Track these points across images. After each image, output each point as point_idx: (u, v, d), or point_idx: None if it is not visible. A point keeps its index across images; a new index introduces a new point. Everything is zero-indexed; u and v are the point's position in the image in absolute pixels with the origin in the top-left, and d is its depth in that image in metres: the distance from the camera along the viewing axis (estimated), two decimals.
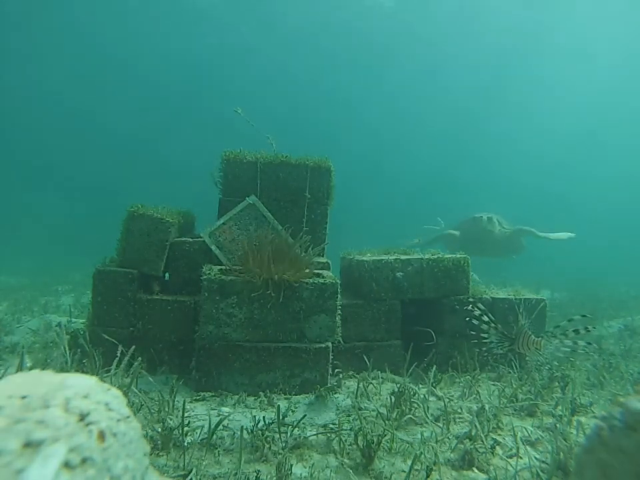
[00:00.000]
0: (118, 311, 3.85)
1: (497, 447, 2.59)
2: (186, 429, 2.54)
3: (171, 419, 2.62)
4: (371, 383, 3.61)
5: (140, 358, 3.18)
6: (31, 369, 3.03)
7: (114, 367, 3.07)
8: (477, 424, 2.68)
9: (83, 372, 3.18)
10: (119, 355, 3.13)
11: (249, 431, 2.59)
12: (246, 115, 4.91)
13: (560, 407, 3.17)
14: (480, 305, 3.31)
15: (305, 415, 2.87)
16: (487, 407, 3.05)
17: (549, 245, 9.97)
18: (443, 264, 4.32)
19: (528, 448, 2.62)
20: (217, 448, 2.48)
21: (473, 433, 2.65)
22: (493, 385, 3.78)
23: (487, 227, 9.19)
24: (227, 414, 2.97)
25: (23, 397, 0.77)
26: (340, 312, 3.62)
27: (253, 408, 3.16)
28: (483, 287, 4.68)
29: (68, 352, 3.32)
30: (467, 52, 30.34)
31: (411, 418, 2.96)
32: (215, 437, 2.56)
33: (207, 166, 4.62)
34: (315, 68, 31.87)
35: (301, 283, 3.52)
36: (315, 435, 2.70)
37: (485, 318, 3.21)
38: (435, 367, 3.67)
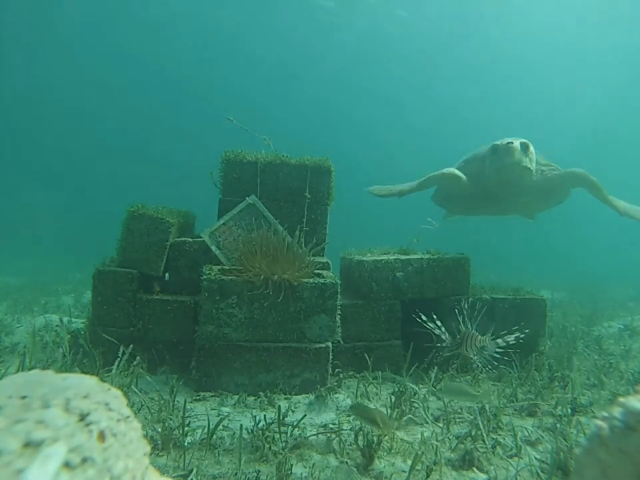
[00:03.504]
0: (118, 311, 3.85)
1: (497, 447, 2.59)
2: (186, 429, 2.54)
3: (171, 419, 2.62)
4: (372, 383, 3.61)
5: (139, 358, 3.18)
6: (30, 368, 3.03)
7: (115, 366, 3.07)
8: (480, 422, 2.68)
9: (83, 372, 3.18)
10: (120, 355, 3.13)
11: (249, 430, 2.59)
12: (246, 115, 4.91)
13: (560, 407, 3.17)
14: (421, 315, 3.31)
15: (305, 415, 2.87)
16: (487, 407, 3.05)
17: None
18: (443, 264, 4.32)
19: (528, 448, 2.62)
20: (217, 448, 2.48)
21: (473, 433, 2.65)
22: (493, 385, 3.78)
23: (521, 162, 4.96)
24: (227, 414, 2.97)
25: (23, 397, 0.77)
26: (340, 312, 3.62)
27: (253, 408, 3.16)
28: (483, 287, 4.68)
29: (69, 351, 3.32)
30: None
31: (411, 418, 2.96)
32: (215, 437, 2.56)
33: (207, 166, 4.62)
34: (315, 67, 31.86)
35: (301, 282, 3.51)
36: (315, 435, 2.70)
37: (431, 324, 3.21)
38: (436, 367, 3.66)
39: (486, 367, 3.18)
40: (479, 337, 3.00)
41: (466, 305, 3.10)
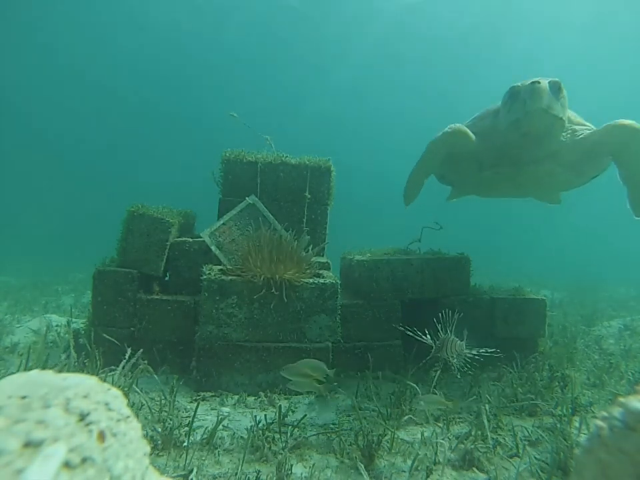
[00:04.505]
0: (118, 311, 3.86)
1: (498, 447, 2.59)
2: (186, 428, 2.54)
3: (171, 419, 2.62)
4: (372, 383, 3.61)
5: (146, 361, 3.18)
6: (30, 368, 3.03)
7: (120, 368, 3.08)
8: (485, 421, 2.68)
9: (83, 372, 3.18)
10: (126, 355, 3.13)
11: (249, 430, 2.59)
12: (246, 115, 4.91)
13: (560, 407, 3.17)
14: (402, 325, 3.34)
15: (305, 415, 2.88)
16: (487, 406, 3.05)
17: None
18: (444, 263, 4.32)
19: (528, 448, 2.62)
20: (217, 448, 2.48)
21: (473, 433, 2.65)
22: (493, 385, 3.78)
23: (550, 108, 3.73)
24: (227, 414, 2.97)
25: (23, 397, 0.77)
26: (340, 312, 3.62)
27: (253, 408, 3.16)
28: (483, 286, 4.68)
29: (73, 352, 3.32)
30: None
31: (411, 418, 2.96)
32: (215, 436, 2.56)
33: (208, 166, 4.63)
34: (317, 62, 31.86)
35: (301, 282, 3.52)
36: (315, 435, 2.70)
37: (409, 332, 3.25)
38: (438, 368, 3.65)
39: (462, 369, 3.23)
40: (458, 342, 3.07)
41: (443, 313, 3.15)
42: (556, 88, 3.78)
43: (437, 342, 3.07)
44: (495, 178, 4.40)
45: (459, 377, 3.41)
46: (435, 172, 4.96)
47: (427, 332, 3.19)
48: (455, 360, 3.06)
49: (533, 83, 3.69)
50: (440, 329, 3.08)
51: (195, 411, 2.63)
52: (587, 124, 4.19)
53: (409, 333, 3.21)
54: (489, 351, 3.09)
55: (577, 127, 4.13)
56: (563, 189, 4.84)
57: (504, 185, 4.58)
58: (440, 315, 3.14)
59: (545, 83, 3.70)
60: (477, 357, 3.12)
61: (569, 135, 4.08)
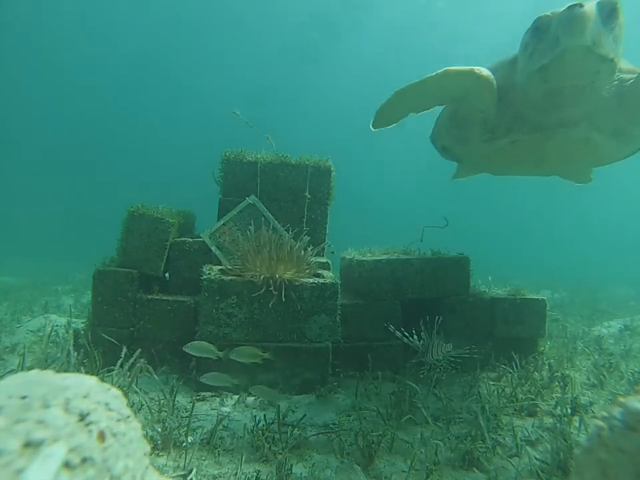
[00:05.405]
0: (118, 311, 3.85)
1: (497, 447, 2.59)
2: (185, 428, 2.54)
3: (170, 419, 2.62)
4: (372, 383, 3.61)
5: (143, 359, 3.18)
6: (30, 368, 3.03)
7: (117, 366, 3.08)
8: (482, 422, 2.68)
9: (83, 372, 3.18)
10: (122, 355, 3.13)
11: (249, 430, 2.59)
12: (246, 114, 4.91)
13: (560, 407, 3.17)
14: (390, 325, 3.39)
15: (305, 415, 2.88)
16: (487, 406, 3.05)
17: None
18: (444, 263, 4.32)
19: (528, 448, 2.62)
20: (216, 448, 2.48)
21: (473, 433, 2.65)
22: (493, 384, 3.78)
23: (597, 45, 2.45)
24: (226, 414, 2.97)
25: (23, 397, 0.77)
26: (340, 312, 3.62)
27: (253, 408, 3.16)
28: (483, 287, 4.68)
29: (73, 352, 3.32)
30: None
31: (411, 418, 2.96)
32: (215, 436, 2.55)
33: (208, 166, 4.63)
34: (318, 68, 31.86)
35: (301, 282, 3.52)
36: (315, 435, 2.70)
37: (398, 333, 3.31)
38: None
39: (448, 369, 3.27)
40: (443, 345, 3.11)
41: (432, 317, 3.22)
42: (607, 12, 2.52)
43: (421, 346, 3.10)
44: (511, 149, 3.39)
45: (444, 377, 3.44)
46: (439, 145, 4.10)
47: (414, 334, 3.22)
48: (441, 363, 3.10)
49: (571, 7, 2.43)
50: (425, 333, 3.11)
51: (191, 411, 2.63)
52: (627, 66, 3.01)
53: (397, 333, 3.25)
54: (474, 350, 3.13)
55: (625, 76, 2.93)
56: (599, 164, 3.70)
57: (522, 159, 3.55)
58: (426, 319, 3.18)
59: (590, 5, 2.45)
60: (465, 357, 3.15)
61: (614, 88, 2.90)
